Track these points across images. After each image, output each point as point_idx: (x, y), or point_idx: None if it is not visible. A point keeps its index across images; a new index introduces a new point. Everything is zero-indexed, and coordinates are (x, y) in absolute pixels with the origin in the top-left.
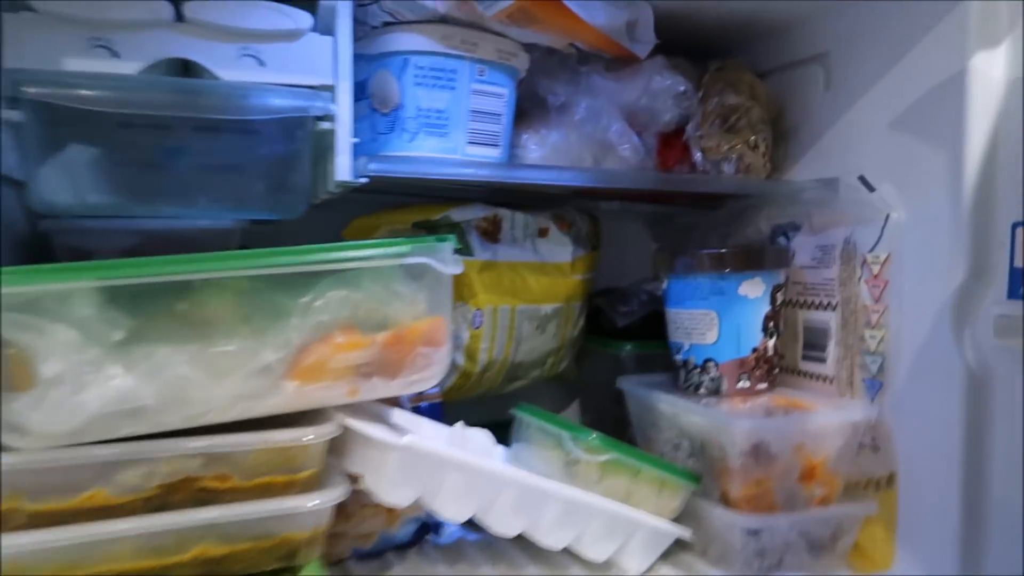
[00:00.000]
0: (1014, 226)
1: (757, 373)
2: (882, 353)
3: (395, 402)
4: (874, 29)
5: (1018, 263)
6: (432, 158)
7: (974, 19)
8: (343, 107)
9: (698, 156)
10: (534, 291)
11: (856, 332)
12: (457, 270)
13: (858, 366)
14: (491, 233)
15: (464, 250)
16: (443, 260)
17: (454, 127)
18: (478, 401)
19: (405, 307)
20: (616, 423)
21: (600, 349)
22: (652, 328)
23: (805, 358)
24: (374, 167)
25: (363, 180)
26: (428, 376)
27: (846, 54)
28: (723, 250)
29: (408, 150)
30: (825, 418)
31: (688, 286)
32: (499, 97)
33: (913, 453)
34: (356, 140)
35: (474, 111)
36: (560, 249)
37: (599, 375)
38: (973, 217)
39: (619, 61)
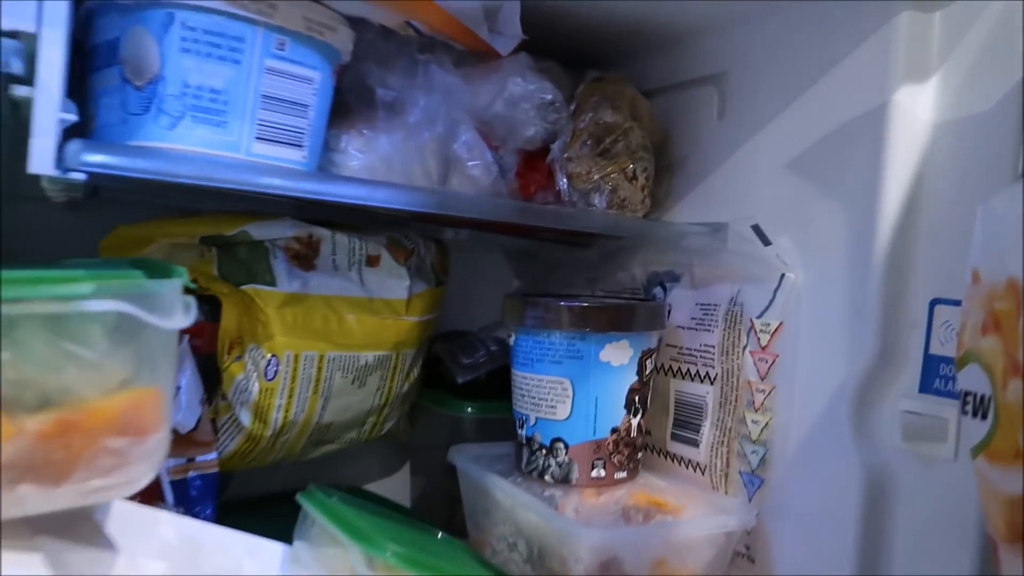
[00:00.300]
0: (933, 303)
1: (615, 459)
2: (765, 443)
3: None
4: (781, 48)
5: (935, 349)
6: (198, 155)
7: (902, 44)
8: (48, 67)
9: (563, 183)
10: (354, 334)
11: (736, 413)
12: (182, 323)
13: (736, 455)
14: (305, 258)
15: (265, 277)
16: (158, 308)
17: (236, 115)
18: (279, 464)
19: (87, 376)
20: (449, 500)
21: (436, 408)
22: (501, 385)
23: (675, 438)
24: (94, 159)
25: (77, 176)
26: (124, 481)
27: (746, 76)
28: (584, 304)
29: (167, 140)
30: (694, 527)
31: (539, 345)
32: (306, 82)
33: (795, 569)
34: (70, 117)
35: (267, 97)
36: (394, 283)
37: (434, 438)
38: (884, 287)
39: (474, 55)
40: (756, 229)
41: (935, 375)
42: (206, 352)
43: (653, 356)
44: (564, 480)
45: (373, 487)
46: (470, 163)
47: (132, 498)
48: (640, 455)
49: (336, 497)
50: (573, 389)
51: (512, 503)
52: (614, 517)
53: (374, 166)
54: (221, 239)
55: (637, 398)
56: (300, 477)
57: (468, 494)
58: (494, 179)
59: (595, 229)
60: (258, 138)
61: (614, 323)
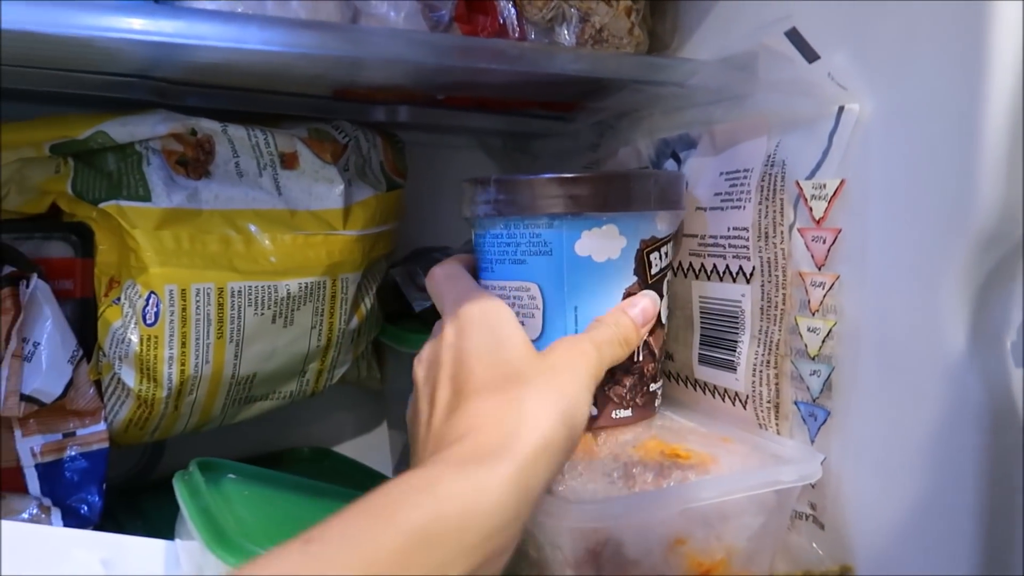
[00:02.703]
0: None
1: (613, 392)
2: (829, 359)
3: (11, 457)
4: None
5: None
6: None
7: None
8: None
9: (510, 11)
10: (266, 257)
11: (785, 321)
12: None
13: (789, 379)
14: (196, 163)
15: (135, 191)
16: None
17: None
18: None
19: None
20: None
21: (396, 346)
22: None
23: (704, 360)
24: None
25: None
26: None
27: None
28: (548, 176)
29: None
30: (727, 486)
31: (497, 241)
32: None
33: (885, 534)
34: None
35: None
36: (321, 188)
37: (403, 383)
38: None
39: None
40: (793, 37)
41: None
42: (81, 297)
43: (663, 248)
44: None
45: (349, 447)
46: (375, 1)
47: None
48: (655, 387)
49: (235, 475)
50: (543, 296)
51: None
52: (610, 480)
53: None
54: (75, 145)
55: None
56: (261, 440)
57: None
58: (408, 16)
59: (563, 71)
60: None
61: (594, 200)
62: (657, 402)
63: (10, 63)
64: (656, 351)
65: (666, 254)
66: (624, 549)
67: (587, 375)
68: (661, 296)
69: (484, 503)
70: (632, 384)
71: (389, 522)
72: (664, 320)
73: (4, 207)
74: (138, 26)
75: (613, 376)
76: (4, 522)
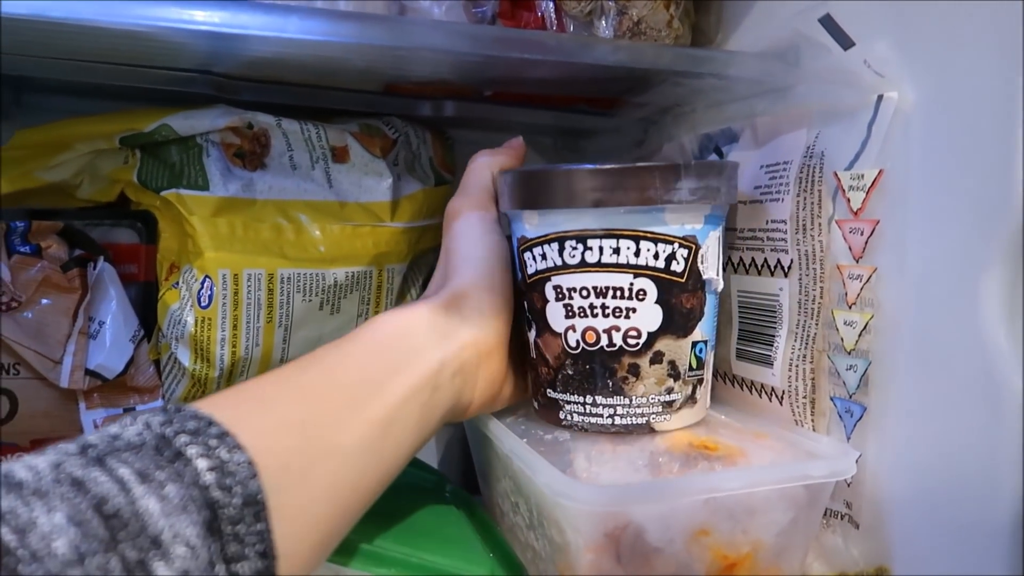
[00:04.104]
0: None
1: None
2: (867, 354)
3: (75, 428)
4: None
5: None
6: None
7: None
8: None
9: (548, 5)
10: (315, 246)
11: (822, 315)
12: None
13: (825, 374)
14: (252, 155)
15: (195, 180)
16: None
17: None
18: None
19: None
20: (465, 447)
21: None
22: None
23: (742, 356)
24: None
25: None
26: None
27: None
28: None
29: None
30: (753, 477)
31: None
32: None
33: (923, 535)
34: None
35: None
36: (371, 181)
37: None
38: None
39: None
40: (827, 23)
41: None
42: (145, 281)
43: (538, 248)
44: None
45: None
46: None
47: None
48: (555, 396)
49: None
50: None
51: (505, 448)
52: (635, 468)
53: None
54: (141, 137)
55: (526, 303)
56: None
57: (471, 438)
58: (450, 12)
59: (601, 61)
60: None
61: (524, 195)
62: (568, 416)
63: (85, 58)
64: (548, 356)
65: (543, 256)
66: (645, 536)
67: (497, 256)
68: (546, 300)
69: (416, 320)
70: (532, 378)
71: (355, 341)
72: (562, 328)
73: (78, 195)
74: (200, 17)
75: (524, 362)
76: None
